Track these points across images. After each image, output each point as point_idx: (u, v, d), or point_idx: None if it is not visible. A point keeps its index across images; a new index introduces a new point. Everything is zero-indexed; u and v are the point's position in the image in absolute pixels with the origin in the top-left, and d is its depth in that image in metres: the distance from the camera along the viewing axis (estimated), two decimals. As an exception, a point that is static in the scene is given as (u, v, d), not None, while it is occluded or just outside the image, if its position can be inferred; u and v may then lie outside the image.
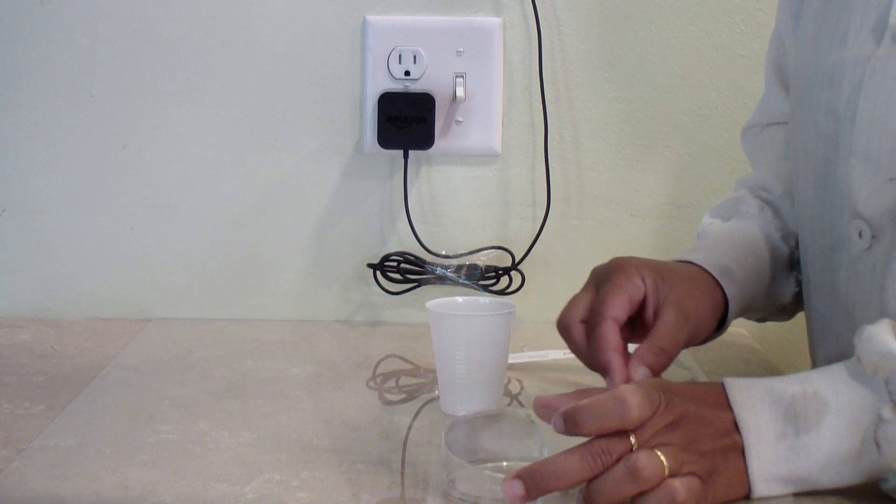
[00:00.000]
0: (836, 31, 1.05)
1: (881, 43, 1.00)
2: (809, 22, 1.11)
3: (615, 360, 1.00)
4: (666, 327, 1.02)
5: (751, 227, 1.17)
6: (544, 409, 0.93)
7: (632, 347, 1.03)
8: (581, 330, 1.04)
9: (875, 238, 1.00)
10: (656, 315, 1.04)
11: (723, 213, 1.21)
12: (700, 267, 1.10)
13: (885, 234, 0.99)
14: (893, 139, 0.97)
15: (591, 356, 1.03)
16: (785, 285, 1.18)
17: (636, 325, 1.05)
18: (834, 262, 1.05)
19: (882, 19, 1.01)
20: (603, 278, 1.05)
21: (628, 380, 0.98)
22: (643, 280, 1.04)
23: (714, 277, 1.09)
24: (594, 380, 1.05)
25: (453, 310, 1.15)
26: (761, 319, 1.22)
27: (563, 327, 1.05)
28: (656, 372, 1.00)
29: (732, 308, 1.10)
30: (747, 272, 1.12)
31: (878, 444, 0.88)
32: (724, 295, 1.09)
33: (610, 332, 1.01)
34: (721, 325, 1.11)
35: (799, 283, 1.17)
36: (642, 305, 1.04)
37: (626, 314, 1.03)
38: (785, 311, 1.20)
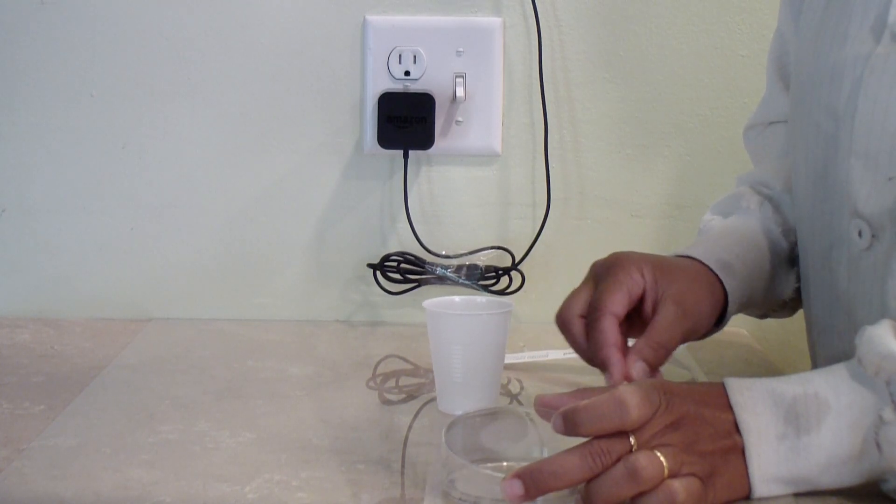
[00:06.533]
0: (836, 30, 1.05)
1: (880, 42, 1.00)
2: (810, 21, 1.11)
3: (614, 356, 1.00)
4: (664, 322, 1.03)
5: (751, 222, 1.17)
6: (545, 407, 0.93)
7: (631, 342, 1.03)
8: (580, 325, 1.04)
9: (875, 237, 1.00)
10: (655, 310, 1.04)
11: (723, 210, 1.21)
12: (700, 261, 1.10)
13: (884, 234, 0.99)
14: (893, 138, 0.97)
15: (590, 352, 1.03)
16: (785, 280, 1.18)
17: (634, 320, 1.05)
18: (834, 261, 1.05)
19: (881, 18, 1.01)
20: (602, 273, 1.05)
21: (627, 375, 0.99)
22: (642, 275, 1.04)
23: (714, 272, 1.09)
24: (594, 379, 1.05)
25: (450, 309, 1.15)
26: (762, 316, 1.22)
27: (563, 322, 1.05)
28: (654, 367, 1.01)
29: (732, 303, 1.10)
30: (747, 267, 1.11)
31: (878, 446, 0.88)
32: (724, 290, 1.09)
33: (609, 328, 1.01)
34: (721, 319, 1.11)
35: (799, 279, 1.17)
36: (641, 300, 1.04)
37: (624, 309, 1.03)
38: (785, 307, 1.20)
